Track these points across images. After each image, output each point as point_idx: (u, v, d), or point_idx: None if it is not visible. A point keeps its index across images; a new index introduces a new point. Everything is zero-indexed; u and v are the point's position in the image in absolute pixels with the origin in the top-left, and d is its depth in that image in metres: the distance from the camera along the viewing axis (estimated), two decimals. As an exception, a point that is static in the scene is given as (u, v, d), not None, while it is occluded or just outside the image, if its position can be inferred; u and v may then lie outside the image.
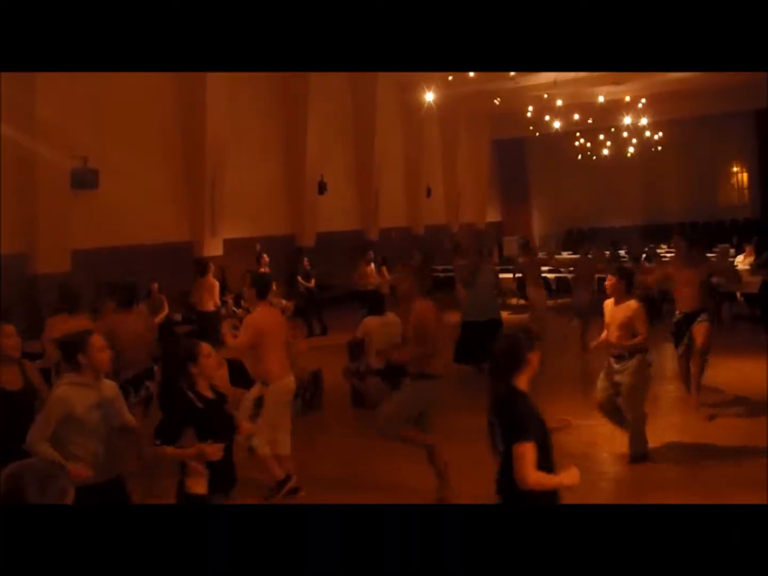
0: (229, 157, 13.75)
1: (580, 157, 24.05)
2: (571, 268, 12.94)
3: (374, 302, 8.36)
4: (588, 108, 19.08)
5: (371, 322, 7.95)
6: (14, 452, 3.23)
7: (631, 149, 22.94)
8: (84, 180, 10.88)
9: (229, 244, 13.92)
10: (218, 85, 13.03)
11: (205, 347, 3.95)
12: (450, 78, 14.71)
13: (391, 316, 7.99)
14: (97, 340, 3.80)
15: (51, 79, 9.75)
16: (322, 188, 16.50)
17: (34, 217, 10.36)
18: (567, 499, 3.04)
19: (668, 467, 5.98)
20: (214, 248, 13.65)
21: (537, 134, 21.80)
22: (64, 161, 10.50)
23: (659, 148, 23.15)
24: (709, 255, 14.52)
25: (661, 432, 6.50)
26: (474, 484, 5.16)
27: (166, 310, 9.94)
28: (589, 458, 6.10)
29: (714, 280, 8.68)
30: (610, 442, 6.37)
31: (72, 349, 3.75)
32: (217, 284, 10.94)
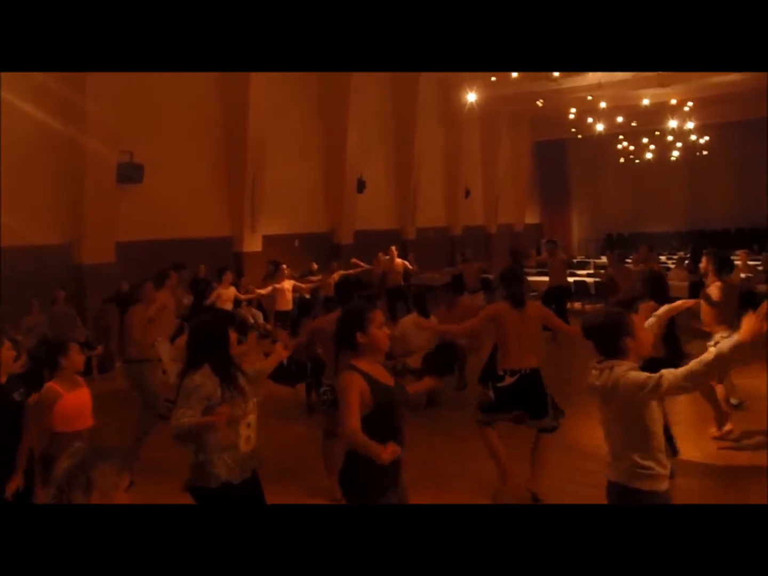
0: (270, 154, 13.92)
1: (622, 160, 23.72)
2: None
3: (418, 301, 8.29)
4: (632, 110, 18.79)
5: (408, 321, 7.95)
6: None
7: (675, 153, 22.53)
8: (129, 175, 11.12)
9: (267, 240, 14.10)
10: (261, 83, 13.19)
11: None
12: (493, 78, 14.64)
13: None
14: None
15: (100, 77, 9.99)
16: (360, 186, 16.55)
17: (81, 210, 10.63)
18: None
19: (692, 458, 5.91)
20: (253, 244, 13.85)
21: (579, 136, 21.57)
22: (111, 156, 10.75)
23: (704, 152, 22.68)
24: (752, 263, 14.20)
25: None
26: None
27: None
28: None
29: None
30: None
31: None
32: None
